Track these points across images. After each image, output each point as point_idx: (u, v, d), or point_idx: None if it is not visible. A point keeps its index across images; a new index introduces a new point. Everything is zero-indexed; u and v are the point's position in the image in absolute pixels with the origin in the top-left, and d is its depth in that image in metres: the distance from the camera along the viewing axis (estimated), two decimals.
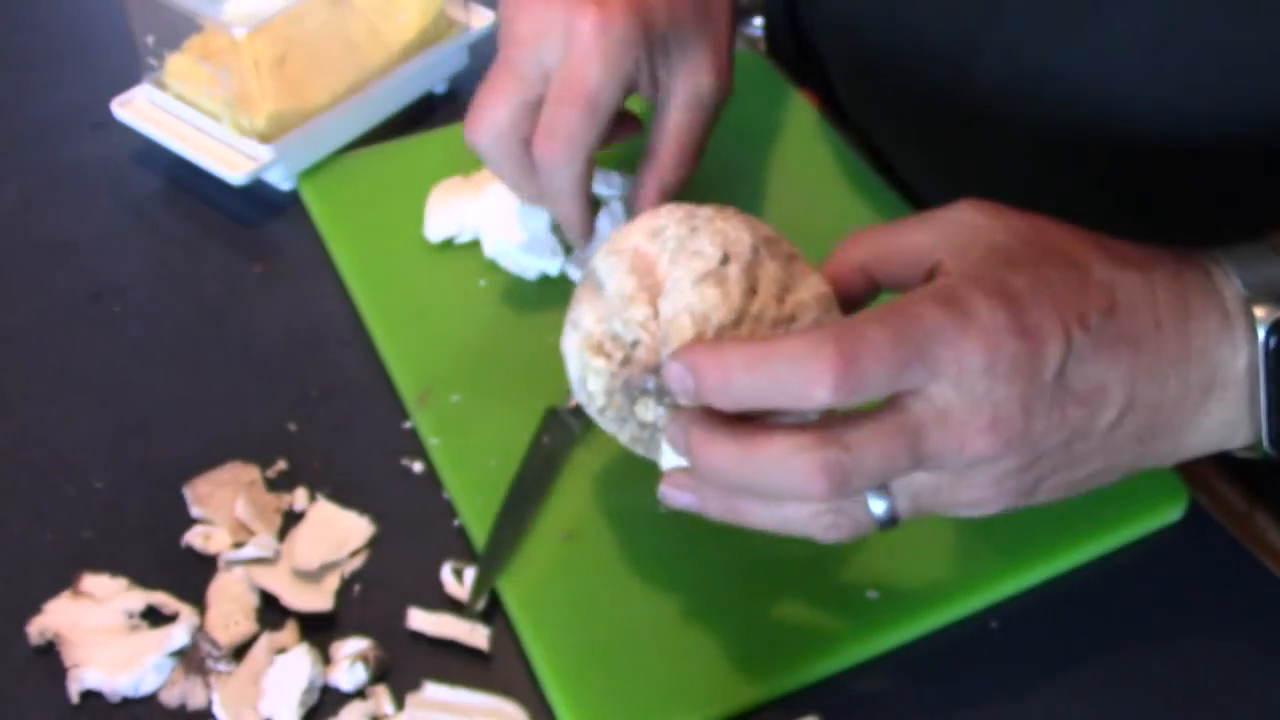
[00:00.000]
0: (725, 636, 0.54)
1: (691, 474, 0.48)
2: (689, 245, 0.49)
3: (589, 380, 0.51)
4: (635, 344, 0.49)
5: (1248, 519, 0.60)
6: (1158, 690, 0.54)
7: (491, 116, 0.60)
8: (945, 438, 0.44)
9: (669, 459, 0.50)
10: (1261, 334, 0.46)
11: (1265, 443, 0.48)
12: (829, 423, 0.44)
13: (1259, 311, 0.46)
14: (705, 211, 0.51)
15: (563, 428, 0.60)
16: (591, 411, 0.52)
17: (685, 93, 0.61)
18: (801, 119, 0.79)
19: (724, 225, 0.50)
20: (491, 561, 0.55)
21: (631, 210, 0.64)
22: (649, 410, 0.50)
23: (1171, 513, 0.59)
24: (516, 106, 0.60)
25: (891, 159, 0.77)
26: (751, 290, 0.49)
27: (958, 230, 0.48)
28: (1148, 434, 0.47)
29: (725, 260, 0.49)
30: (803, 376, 0.43)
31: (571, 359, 0.52)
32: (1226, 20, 0.56)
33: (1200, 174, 0.61)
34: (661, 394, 0.49)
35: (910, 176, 0.75)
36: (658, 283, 0.49)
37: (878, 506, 0.46)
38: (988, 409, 0.44)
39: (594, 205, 0.71)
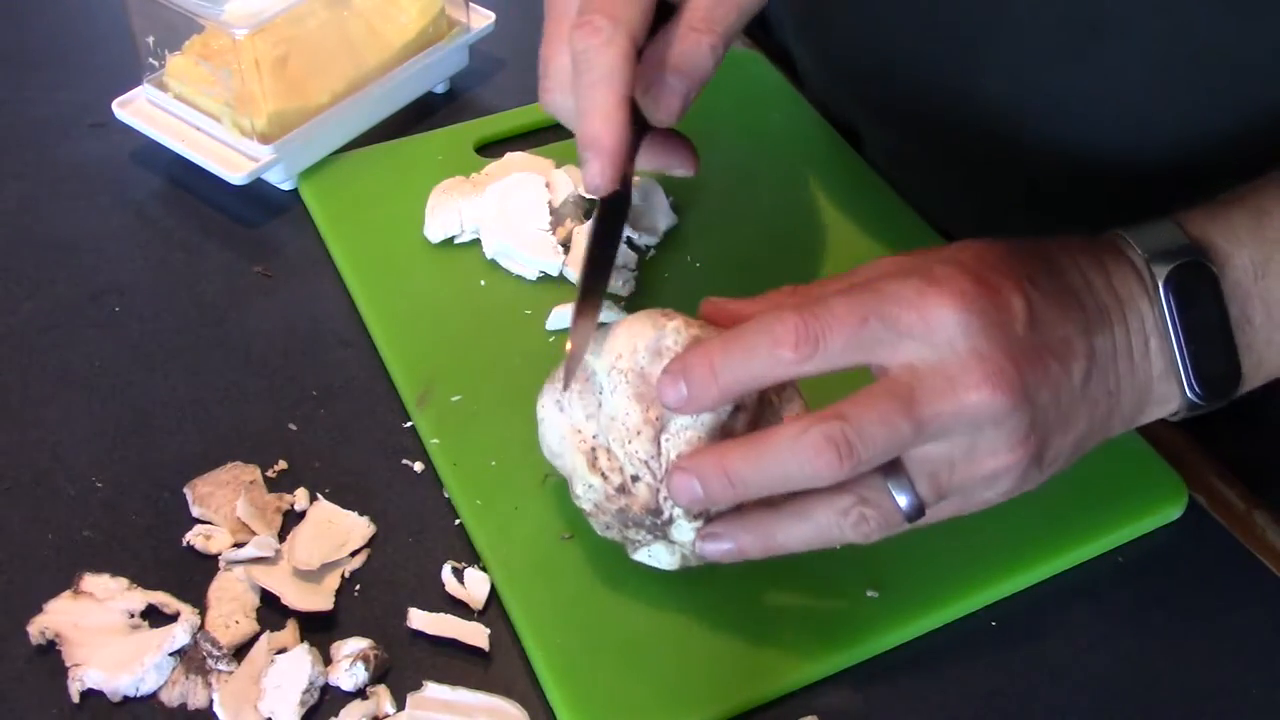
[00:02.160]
0: (725, 636, 0.54)
1: (721, 521, 0.50)
2: None
3: (578, 486, 0.52)
4: (635, 479, 0.50)
5: (1247, 519, 0.60)
6: (1158, 690, 0.54)
7: (557, 65, 0.53)
8: (938, 397, 0.45)
9: (644, 556, 0.53)
10: (1162, 288, 0.49)
11: (1189, 392, 0.50)
12: (825, 406, 0.46)
13: (1158, 269, 0.49)
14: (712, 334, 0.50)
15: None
16: (576, 501, 0.52)
17: None
18: (801, 118, 0.79)
19: None
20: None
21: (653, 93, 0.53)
22: (641, 535, 0.52)
23: (1171, 512, 0.59)
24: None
25: (883, 170, 0.76)
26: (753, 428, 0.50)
27: (886, 265, 0.50)
28: (1114, 386, 0.49)
29: (735, 410, 0.49)
30: (769, 340, 0.45)
31: (557, 444, 0.52)
32: (1231, 27, 0.56)
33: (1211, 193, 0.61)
34: (655, 529, 0.51)
35: (903, 192, 0.75)
36: (662, 415, 0.50)
37: (901, 495, 0.47)
38: (975, 364, 0.45)
39: (588, 208, 0.71)
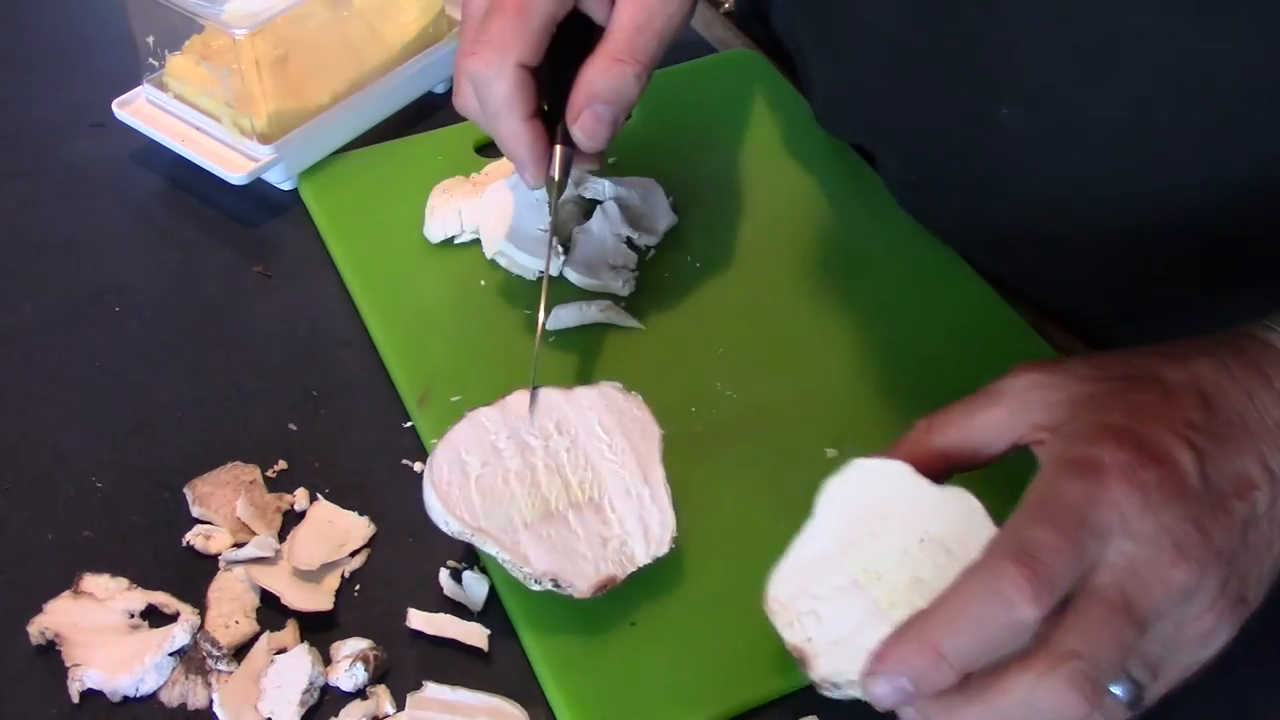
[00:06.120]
0: (725, 636, 0.54)
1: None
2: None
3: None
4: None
5: None
6: None
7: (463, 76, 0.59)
8: (1149, 589, 0.44)
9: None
10: None
11: None
12: (1046, 641, 0.44)
13: None
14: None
15: None
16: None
17: None
18: (802, 117, 0.79)
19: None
20: None
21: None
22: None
23: None
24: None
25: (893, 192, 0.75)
26: None
27: (1032, 401, 0.48)
28: None
29: None
30: (1002, 606, 0.43)
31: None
32: (1265, 53, 0.55)
33: (1241, 225, 0.59)
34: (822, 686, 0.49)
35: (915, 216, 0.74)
36: None
37: (1118, 689, 0.46)
38: (1167, 542, 0.44)
39: (588, 208, 0.71)
